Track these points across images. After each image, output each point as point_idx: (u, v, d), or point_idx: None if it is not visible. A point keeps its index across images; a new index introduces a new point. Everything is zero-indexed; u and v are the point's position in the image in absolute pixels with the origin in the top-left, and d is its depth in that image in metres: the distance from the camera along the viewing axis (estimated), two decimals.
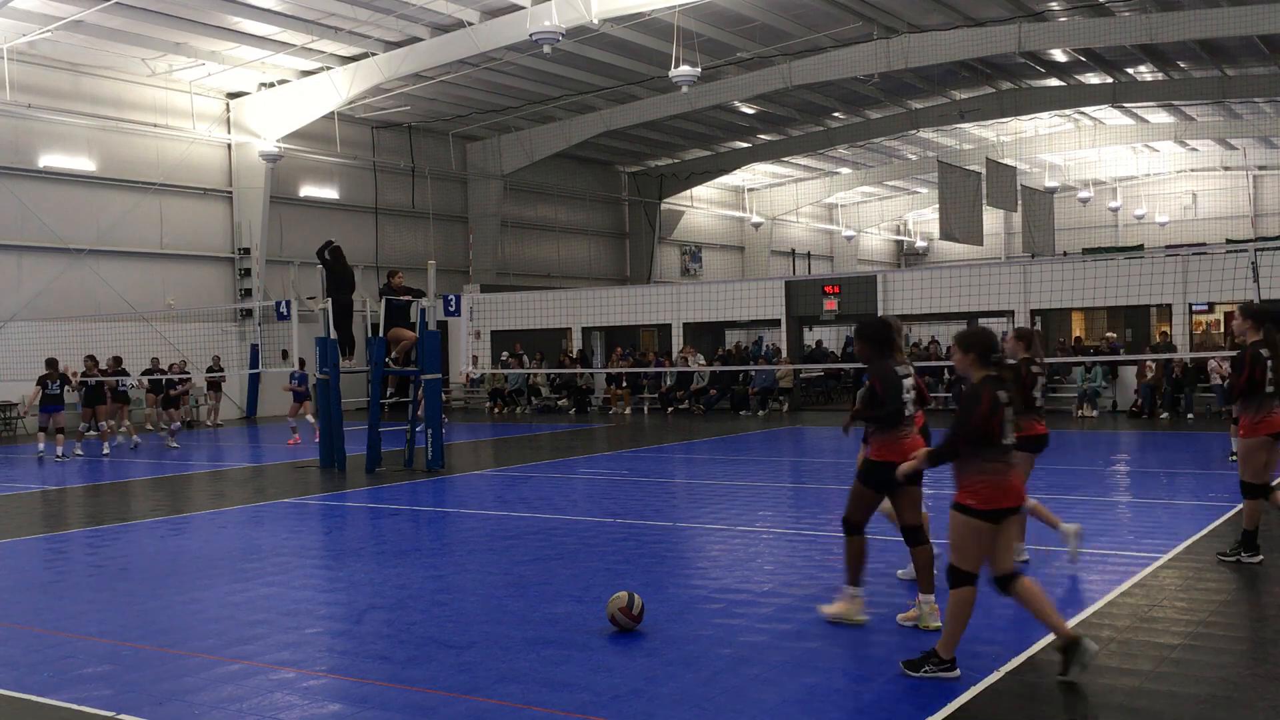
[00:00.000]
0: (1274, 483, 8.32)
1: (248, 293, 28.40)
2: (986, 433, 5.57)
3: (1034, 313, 26.17)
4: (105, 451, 19.55)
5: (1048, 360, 24.96)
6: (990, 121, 36.16)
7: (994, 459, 5.58)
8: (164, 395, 21.99)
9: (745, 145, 39.18)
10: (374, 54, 26.03)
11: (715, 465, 16.50)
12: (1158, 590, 7.58)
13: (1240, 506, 9.12)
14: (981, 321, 29.84)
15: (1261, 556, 8.25)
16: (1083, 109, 35.57)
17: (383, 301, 16.14)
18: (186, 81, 27.23)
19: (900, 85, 31.49)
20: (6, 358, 23.07)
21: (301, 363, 21.81)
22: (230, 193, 28.86)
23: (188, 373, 23.23)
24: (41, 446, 18.88)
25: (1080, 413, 23.72)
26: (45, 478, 16.29)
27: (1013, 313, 26.62)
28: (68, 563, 9.72)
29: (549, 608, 7.34)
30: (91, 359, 20.40)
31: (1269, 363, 8.13)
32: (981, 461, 5.59)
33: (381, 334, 16.11)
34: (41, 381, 18.79)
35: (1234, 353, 14.34)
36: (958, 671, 5.67)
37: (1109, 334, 28.15)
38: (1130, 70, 31.93)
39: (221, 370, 25.45)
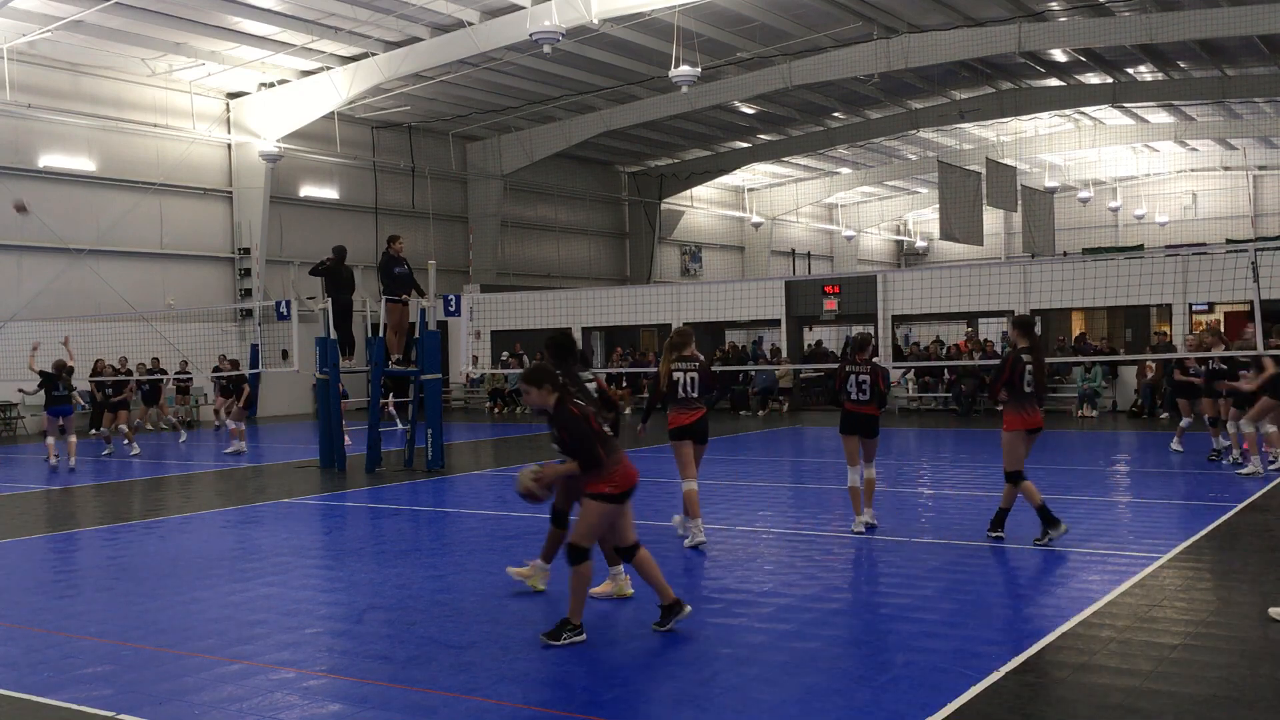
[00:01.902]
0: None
1: (248, 293, 28.40)
2: (597, 435, 6.62)
3: (1034, 312, 26.12)
4: (135, 451, 19.47)
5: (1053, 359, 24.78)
6: (990, 121, 36.14)
7: (614, 450, 6.63)
8: (242, 396, 20.15)
9: (745, 145, 39.16)
10: (374, 54, 26.03)
11: (715, 465, 16.45)
12: (1158, 590, 7.58)
13: (1238, 507, 9.13)
14: (981, 322, 29.89)
15: (1002, 534, 9.22)
16: (1083, 109, 35.56)
17: (379, 274, 16.12)
18: (186, 81, 27.23)
19: (900, 85, 31.48)
20: (6, 358, 23.02)
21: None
22: (230, 193, 28.87)
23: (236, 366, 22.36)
24: (54, 459, 17.08)
25: (1080, 413, 23.72)
26: (45, 478, 16.28)
27: (1012, 312, 26.59)
28: (68, 563, 9.72)
29: (549, 608, 7.33)
30: (122, 361, 20.43)
31: (1028, 367, 9.00)
32: (612, 456, 6.61)
33: (381, 300, 16.12)
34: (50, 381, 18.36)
35: (1238, 352, 14.44)
36: (584, 635, 6.49)
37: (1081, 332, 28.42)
38: (1130, 70, 31.92)
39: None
